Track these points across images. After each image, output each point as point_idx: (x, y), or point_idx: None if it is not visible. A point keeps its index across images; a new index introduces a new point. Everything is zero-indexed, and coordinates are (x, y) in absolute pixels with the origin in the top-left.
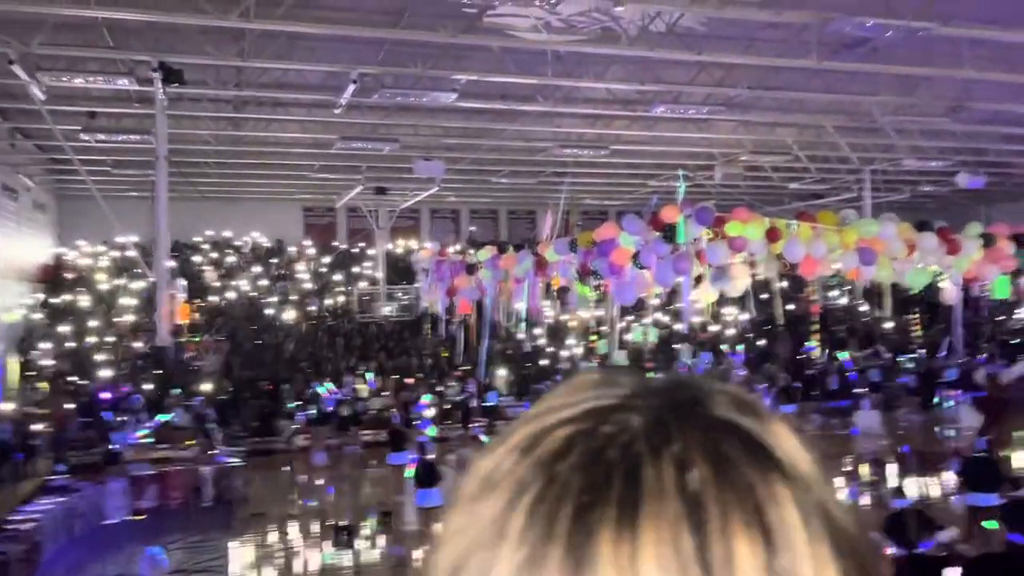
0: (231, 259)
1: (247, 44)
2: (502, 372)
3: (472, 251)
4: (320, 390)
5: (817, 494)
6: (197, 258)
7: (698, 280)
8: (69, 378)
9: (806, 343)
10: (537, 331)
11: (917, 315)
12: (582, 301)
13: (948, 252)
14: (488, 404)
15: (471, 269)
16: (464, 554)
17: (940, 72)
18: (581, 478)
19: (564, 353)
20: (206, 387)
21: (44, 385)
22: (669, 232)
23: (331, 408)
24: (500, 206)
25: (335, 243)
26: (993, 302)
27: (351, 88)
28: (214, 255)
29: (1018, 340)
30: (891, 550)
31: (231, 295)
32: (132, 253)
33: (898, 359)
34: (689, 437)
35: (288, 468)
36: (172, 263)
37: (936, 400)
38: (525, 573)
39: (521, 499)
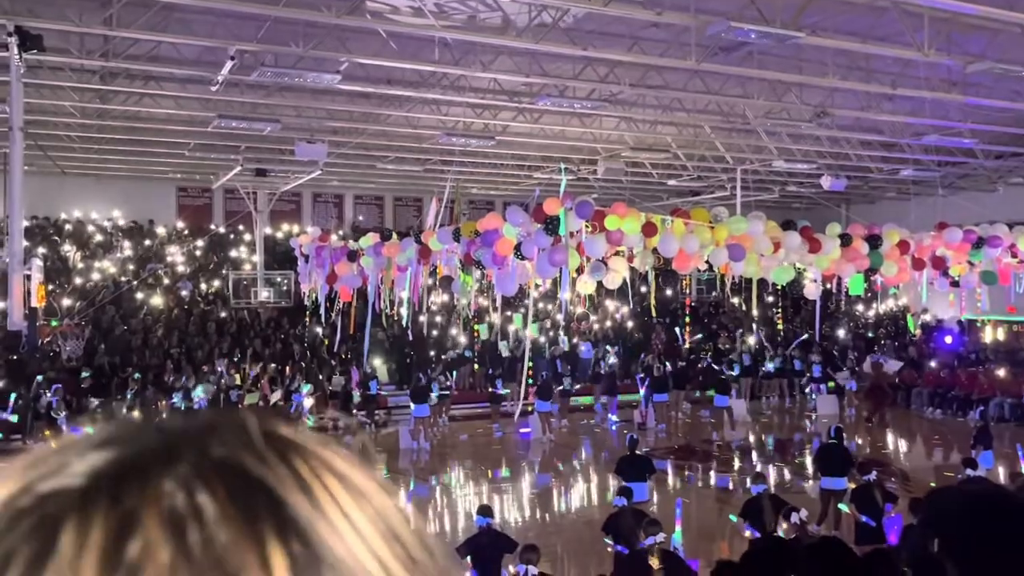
0: (96, 239)
1: (115, 12)
2: (384, 361)
3: (354, 238)
4: (195, 394)
5: (356, 559)
6: (58, 237)
7: (578, 272)
8: None
9: (679, 334)
10: (420, 319)
11: (780, 309)
12: (465, 290)
13: (810, 250)
14: (369, 393)
15: (353, 256)
16: None
17: (807, 79)
18: None
19: (448, 342)
20: (64, 375)
21: None
22: (551, 224)
23: (201, 403)
24: (386, 192)
25: (211, 225)
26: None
27: (229, 65)
28: (78, 233)
29: (872, 334)
30: (748, 532)
31: (95, 277)
32: None
33: (764, 350)
34: (148, 489)
35: None
36: (27, 242)
37: (799, 390)
38: None
39: None
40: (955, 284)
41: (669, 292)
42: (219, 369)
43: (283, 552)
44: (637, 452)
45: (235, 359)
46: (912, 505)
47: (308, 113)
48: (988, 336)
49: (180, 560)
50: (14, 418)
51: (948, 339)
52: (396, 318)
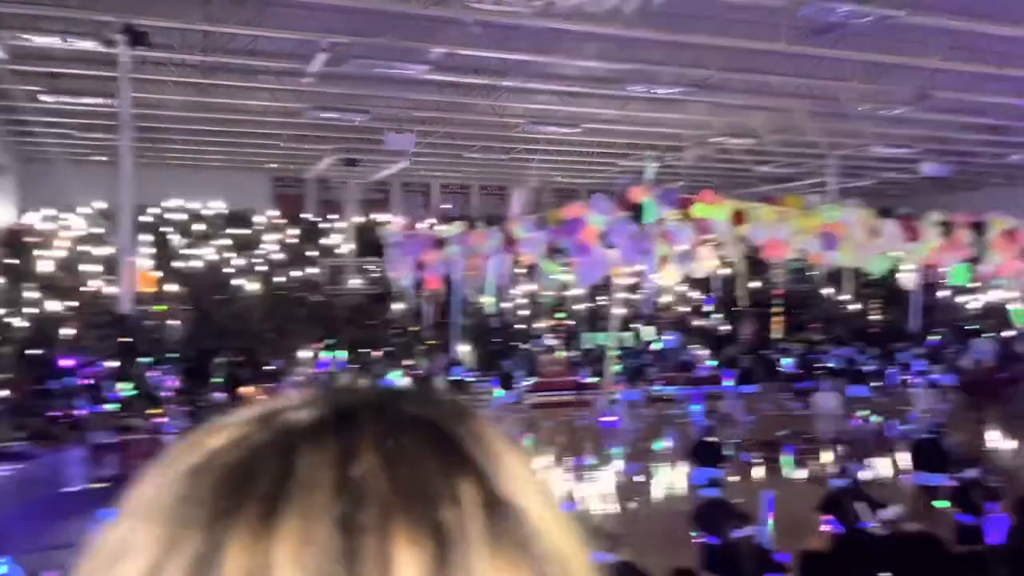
0: (197, 227)
1: (214, 8)
2: (469, 348)
3: (442, 226)
4: (289, 378)
5: (522, 506)
6: (164, 228)
7: (663, 261)
8: (31, 345)
9: (769, 325)
10: (505, 307)
11: (877, 300)
12: (549, 279)
13: (908, 239)
14: (453, 378)
15: (440, 244)
16: None
17: (907, 60)
18: (222, 481)
19: (531, 329)
20: (169, 356)
21: (6, 351)
22: (637, 212)
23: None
24: (472, 181)
25: (303, 214)
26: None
27: (321, 57)
28: (179, 222)
29: (974, 326)
30: (827, 528)
31: (196, 264)
32: (95, 219)
33: (857, 343)
34: (363, 429)
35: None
36: (136, 231)
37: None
38: None
39: (148, 519)
40: None
41: (758, 282)
42: (311, 354)
43: (472, 489)
44: (710, 439)
45: (326, 344)
46: (1016, 505)
47: (397, 103)
48: None
49: (393, 484)
50: (133, 391)
51: None
52: (480, 306)
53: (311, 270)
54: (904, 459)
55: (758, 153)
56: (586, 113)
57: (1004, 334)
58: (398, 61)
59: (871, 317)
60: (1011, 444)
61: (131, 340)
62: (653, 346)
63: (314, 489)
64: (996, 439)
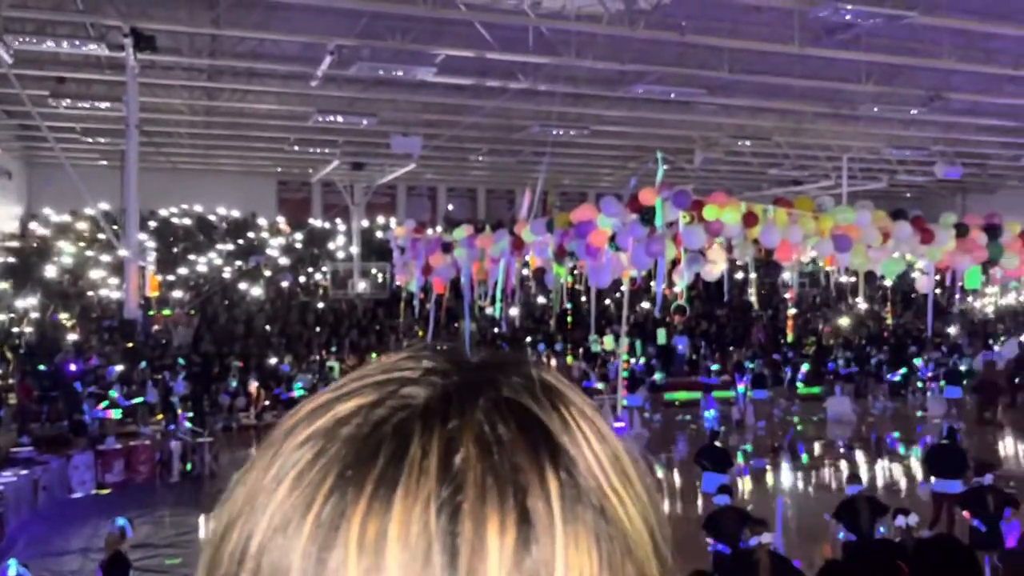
0: (203, 232)
1: (221, 11)
2: (478, 352)
3: (447, 230)
4: (296, 385)
5: (601, 490)
6: (170, 233)
7: (674, 264)
8: (37, 350)
9: (781, 329)
10: (512, 312)
11: (891, 304)
12: (558, 282)
13: (922, 241)
14: None
15: (447, 248)
16: (230, 520)
17: (920, 62)
18: (349, 451)
19: (540, 335)
20: (175, 361)
21: (9, 356)
22: (647, 215)
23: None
24: (479, 184)
25: (309, 218)
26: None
27: (328, 60)
28: (185, 227)
29: (988, 329)
30: (842, 535)
31: (202, 268)
32: (101, 223)
33: (869, 349)
34: (465, 416)
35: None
36: (143, 235)
37: (906, 385)
38: (280, 540)
39: (289, 470)
40: None
41: (770, 286)
42: (317, 358)
43: (556, 477)
44: (717, 444)
45: (333, 349)
46: None
47: (403, 106)
48: None
49: (488, 473)
50: (138, 397)
51: None
52: (488, 310)
53: (317, 275)
54: (918, 465)
55: (768, 155)
56: (594, 115)
57: (1021, 338)
58: (404, 64)
59: (885, 321)
60: None
61: (136, 346)
62: (662, 350)
63: (424, 474)
64: (1012, 443)
